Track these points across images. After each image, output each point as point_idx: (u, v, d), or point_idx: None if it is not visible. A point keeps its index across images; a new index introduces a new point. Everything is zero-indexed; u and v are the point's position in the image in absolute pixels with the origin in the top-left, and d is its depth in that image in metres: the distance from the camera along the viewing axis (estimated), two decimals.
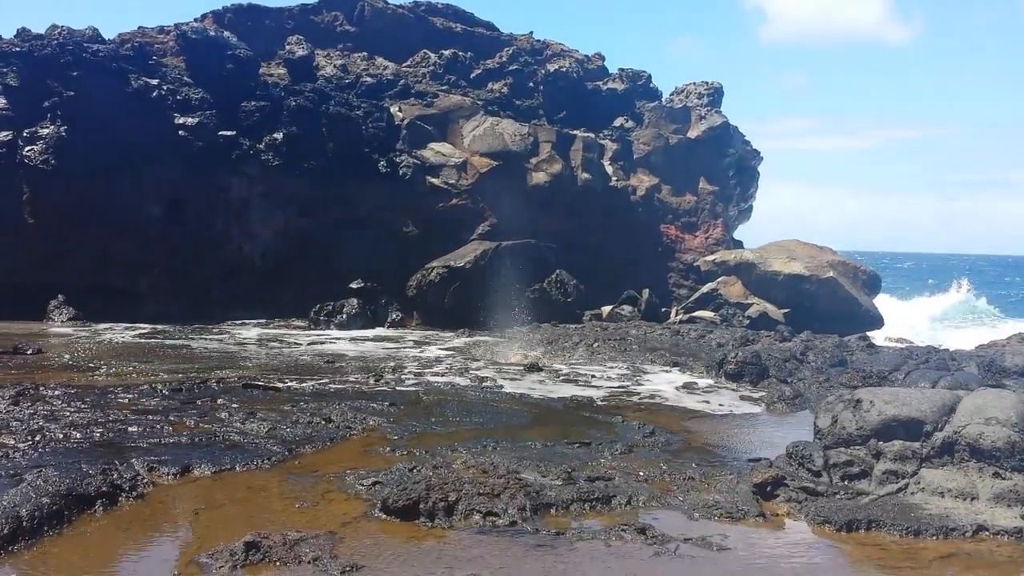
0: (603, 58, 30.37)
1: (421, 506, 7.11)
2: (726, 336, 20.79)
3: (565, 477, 8.18)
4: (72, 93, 21.48)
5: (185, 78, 23.34)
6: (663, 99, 29.45)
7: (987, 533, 7.15)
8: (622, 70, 29.94)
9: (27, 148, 21.02)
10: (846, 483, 8.29)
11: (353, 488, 7.77)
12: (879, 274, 24.99)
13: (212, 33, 24.48)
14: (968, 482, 7.77)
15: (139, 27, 24.84)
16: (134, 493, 7.43)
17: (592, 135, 26.80)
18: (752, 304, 23.23)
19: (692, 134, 27.80)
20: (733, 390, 14.32)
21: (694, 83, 29.41)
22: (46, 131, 21.24)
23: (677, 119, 28.12)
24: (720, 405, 12.99)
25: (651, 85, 29.80)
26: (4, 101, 21.26)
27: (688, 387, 14.41)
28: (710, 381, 15.03)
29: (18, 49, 21.75)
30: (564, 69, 28.24)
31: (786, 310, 22.89)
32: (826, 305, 22.74)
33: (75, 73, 21.66)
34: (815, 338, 19.19)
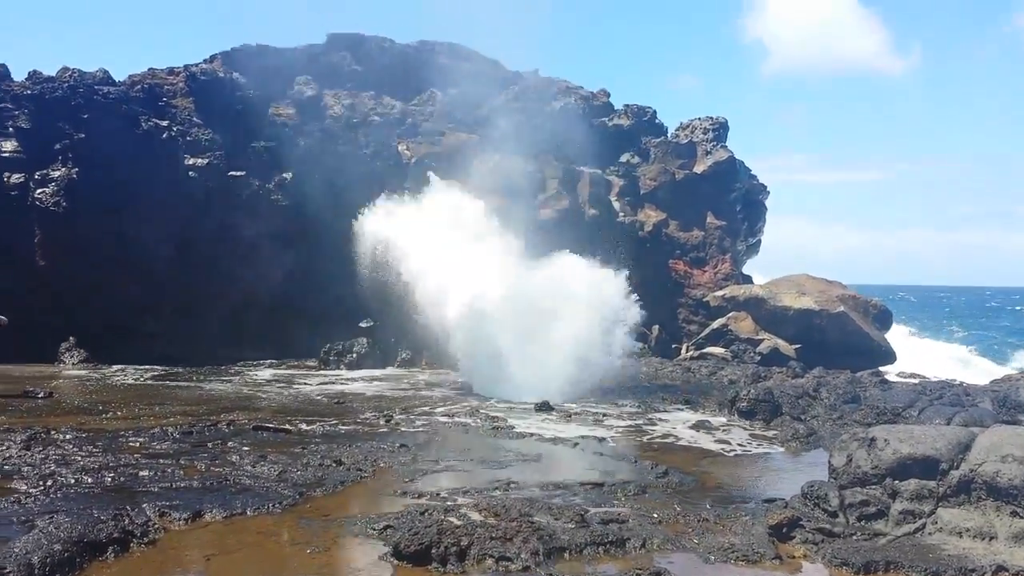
0: (608, 94, 30.59)
1: (433, 551, 7.05)
2: (738, 372, 20.73)
3: (578, 519, 8.11)
4: (83, 135, 21.73)
5: (195, 119, 23.59)
6: (669, 134, 29.62)
7: (1007, 574, 7.05)
8: (627, 106, 30.13)
9: (39, 190, 21.22)
10: (863, 523, 8.20)
11: (364, 532, 7.71)
12: (890, 308, 24.89)
13: (221, 74, 24.79)
14: (986, 521, 7.68)
15: (149, 69, 25.11)
16: (145, 539, 7.39)
17: (599, 171, 26.92)
18: (763, 340, 23.16)
19: (698, 169, 27.91)
20: (746, 428, 14.22)
21: (699, 118, 29.59)
22: (57, 173, 21.46)
23: (683, 154, 28.25)
24: (734, 444, 12.89)
25: (656, 121, 29.98)
26: (16, 144, 21.50)
27: (701, 426, 14.32)
28: (723, 419, 14.95)
29: (29, 92, 22.05)
30: (570, 106, 28.44)
31: (797, 345, 22.81)
32: (837, 340, 22.65)
33: (86, 115, 21.94)
34: (827, 374, 19.09)
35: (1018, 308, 72.00)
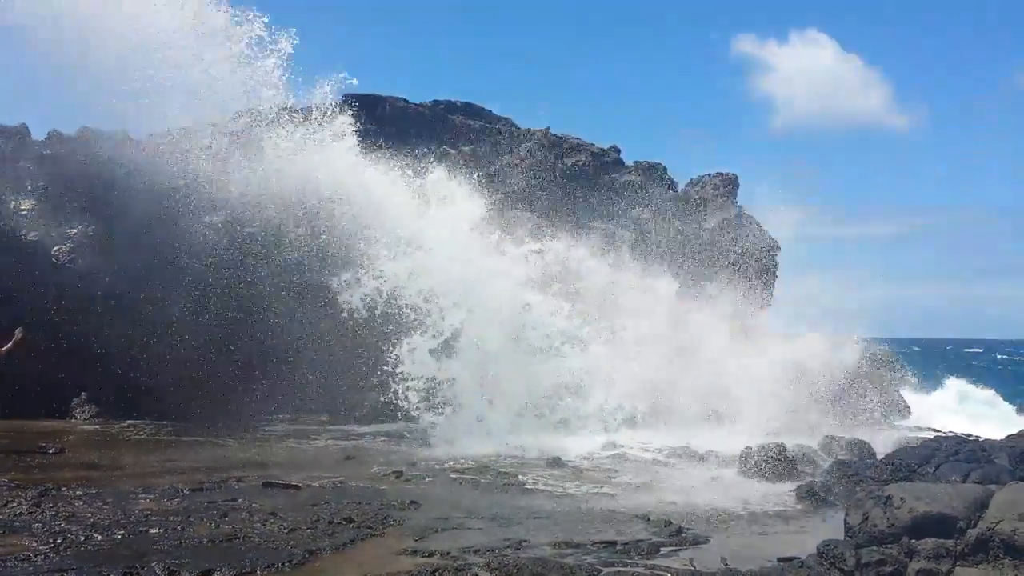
0: (619, 151, 30.90)
1: None
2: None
3: None
4: (101, 192, 22.02)
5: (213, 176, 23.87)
6: (679, 190, 29.81)
7: None
8: (637, 162, 30.39)
9: (55, 248, 21.46)
10: None
11: None
12: (903, 363, 24.74)
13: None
14: None
15: (167, 128, 25.47)
16: None
17: (609, 226, 27.06)
18: None
19: (709, 225, 28.02)
20: (759, 485, 14.07)
21: (709, 174, 29.81)
22: (74, 231, 21.71)
23: (693, 210, 28.39)
24: (748, 501, 12.76)
25: (666, 176, 30.20)
26: (34, 202, 21.79)
27: (714, 481, 14.19)
28: (736, 476, 14.79)
29: (49, 151, 22.43)
30: (581, 163, 28.72)
31: None
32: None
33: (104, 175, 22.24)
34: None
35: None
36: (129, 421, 20.06)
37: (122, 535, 9.27)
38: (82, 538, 9.05)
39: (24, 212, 21.66)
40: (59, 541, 8.84)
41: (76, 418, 20.28)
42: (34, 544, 8.71)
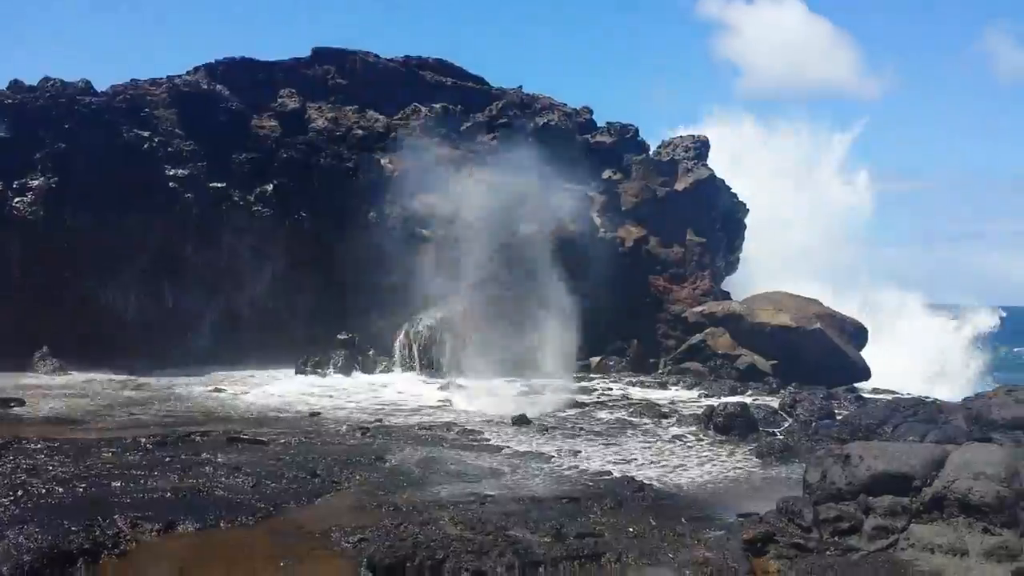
0: (591, 111, 30.77)
1: (408, 564, 7.04)
2: (714, 388, 20.82)
3: (554, 534, 8.10)
4: (63, 145, 21.58)
5: (177, 130, 23.51)
6: (650, 152, 29.77)
7: None
8: (609, 123, 30.28)
9: (16, 200, 21.04)
10: (836, 539, 8.24)
11: (339, 545, 7.68)
12: (865, 326, 25.06)
13: (204, 86, 24.74)
14: (958, 538, 7.73)
15: (132, 80, 24.96)
16: (117, 550, 7.32)
17: (580, 187, 27.01)
18: (740, 356, 23.24)
19: (679, 186, 28.05)
20: (722, 443, 14.25)
21: (680, 136, 29.78)
22: (36, 183, 21.27)
23: (664, 172, 28.39)
24: (710, 459, 12.93)
25: (638, 138, 30.13)
26: None
27: (677, 439, 14.36)
28: (699, 434, 14.97)
29: (10, 101, 21.89)
30: (553, 122, 28.54)
31: (774, 362, 22.89)
32: (814, 357, 22.75)
33: (67, 125, 21.79)
34: (803, 390, 19.18)
35: None
36: (92, 374, 19.89)
37: (84, 488, 9.21)
38: (43, 491, 8.98)
39: None
40: (20, 494, 8.76)
41: (38, 371, 20.06)
42: None
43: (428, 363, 22.31)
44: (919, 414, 15.13)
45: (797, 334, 23.02)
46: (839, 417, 16.33)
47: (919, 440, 12.24)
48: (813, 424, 15.55)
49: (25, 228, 20.93)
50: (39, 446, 11.13)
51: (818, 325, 23.15)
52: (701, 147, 29.16)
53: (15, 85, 22.56)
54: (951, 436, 12.32)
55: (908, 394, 19.67)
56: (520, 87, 30.51)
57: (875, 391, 21.62)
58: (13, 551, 6.68)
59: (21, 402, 14.95)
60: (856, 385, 21.79)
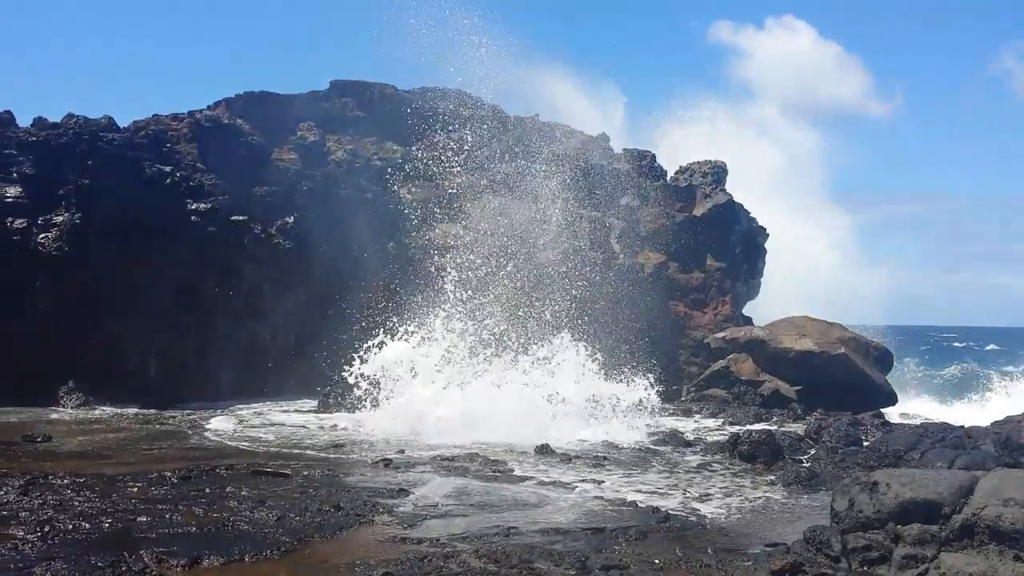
0: (608, 138, 30.86)
1: None
2: (738, 415, 20.69)
3: (579, 566, 8.05)
4: (87, 181, 21.87)
5: (198, 164, 23.81)
6: (668, 178, 29.81)
7: None
8: (626, 150, 30.37)
9: (41, 235, 21.29)
10: (865, 569, 8.15)
11: None
12: (890, 350, 24.88)
13: (225, 120, 25.06)
14: (989, 566, 7.61)
15: (153, 115, 25.32)
16: None
17: (598, 214, 27.07)
18: (764, 381, 23.12)
19: (697, 212, 28.06)
20: (747, 471, 14.14)
21: (698, 162, 29.79)
22: (60, 219, 21.54)
23: (682, 197, 28.43)
24: (735, 487, 12.82)
25: (655, 164, 30.19)
26: (20, 189, 21.58)
27: (701, 468, 14.26)
28: (724, 462, 14.86)
29: (34, 138, 22.23)
30: (569, 150, 28.66)
31: (798, 387, 22.76)
32: (838, 381, 22.59)
33: (90, 161, 22.09)
34: (828, 416, 19.05)
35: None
36: (117, 408, 20.03)
37: (110, 523, 9.25)
38: (70, 526, 9.03)
39: (9, 200, 21.44)
40: (47, 529, 8.80)
41: (63, 406, 20.20)
42: (22, 532, 8.68)
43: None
44: (947, 440, 14.98)
45: (821, 359, 22.90)
46: (866, 444, 16.19)
47: (947, 466, 12.12)
48: (839, 451, 15.42)
49: (50, 264, 21.16)
50: (66, 481, 11.19)
51: (842, 350, 23.02)
52: (718, 172, 29.18)
53: (39, 122, 22.92)
54: (980, 462, 12.19)
55: (935, 419, 19.48)
56: (536, 115, 30.66)
57: (903, 416, 21.42)
58: None
59: (48, 437, 15.05)
60: (882, 410, 21.61)
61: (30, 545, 8.28)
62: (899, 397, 23.98)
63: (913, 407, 23.44)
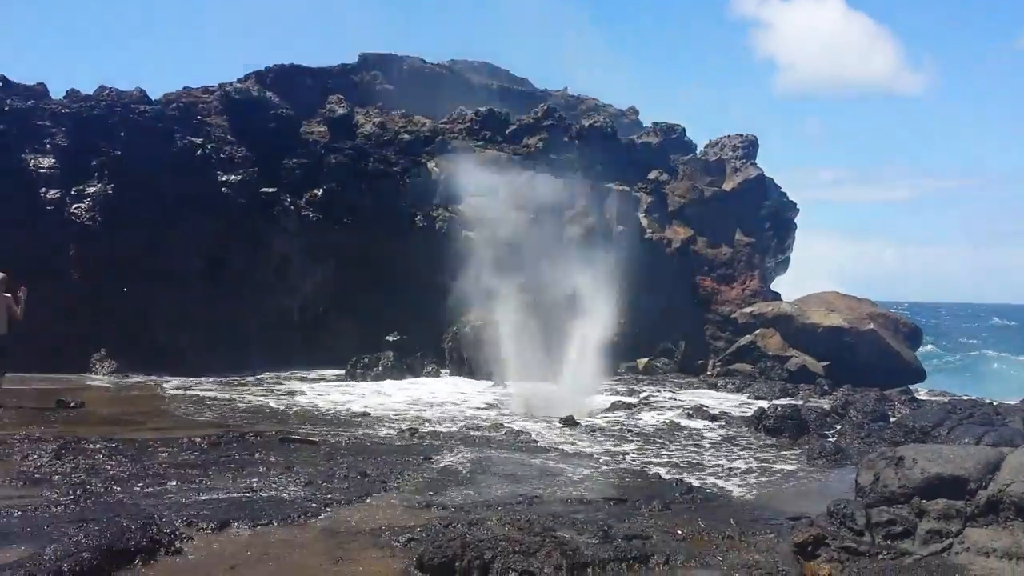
0: (637, 112, 30.72)
1: (457, 564, 7.08)
2: (764, 389, 20.62)
3: (601, 535, 8.09)
4: (119, 152, 22.10)
5: (228, 136, 23.96)
6: (697, 152, 29.59)
7: None
8: (656, 124, 30.18)
9: (74, 205, 21.59)
10: (889, 543, 8.12)
11: (389, 545, 7.76)
12: (920, 327, 24.63)
13: (255, 93, 25.16)
14: (1014, 541, 7.57)
15: (184, 87, 25.57)
16: (172, 548, 7.48)
17: (627, 188, 26.94)
18: (791, 357, 23.00)
19: (727, 186, 27.86)
20: (772, 445, 14.12)
21: (728, 136, 29.56)
22: (93, 189, 21.82)
23: (712, 171, 28.22)
24: (760, 461, 12.81)
25: (685, 138, 29.99)
26: (53, 160, 21.88)
27: (727, 441, 14.25)
28: (749, 436, 14.85)
29: (67, 110, 22.48)
30: (598, 124, 28.51)
31: (826, 363, 22.62)
32: (866, 358, 22.43)
33: (122, 133, 22.32)
34: (856, 392, 18.92)
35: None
36: (148, 376, 20.34)
37: (141, 487, 9.44)
38: (102, 490, 9.22)
39: (43, 170, 21.74)
40: (79, 492, 9.00)
41: (96, 373, 20.56)
42: (55, 495, 8.88)
43: (475, 365, 22.39)
44: (975, 416, 14.84)
45: (849, 335, 22.74)
46: (892, 419, 16.08)
47: (975, 442, 12.01)
48: (866, 426, 15.33)
49: (83, 234, 21.47)
50: (98, 446, 11.42)
51: (871, 326, 22.84)
52: (749, 146, 28.92)
53: (72, 94, 23.17)
54: (1008, 438, 12.07)
55: (965, 396, 19.30)
56: (566, 88, 30.53)
57: (931, 392, 21.25)
58: (73, 548, 6.86)
59: (81, 403, 15.34)
60: (911, 387, 21.44)
61: (63, 507, 8.47)
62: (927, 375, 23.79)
63: (941, 383, 23.24)
